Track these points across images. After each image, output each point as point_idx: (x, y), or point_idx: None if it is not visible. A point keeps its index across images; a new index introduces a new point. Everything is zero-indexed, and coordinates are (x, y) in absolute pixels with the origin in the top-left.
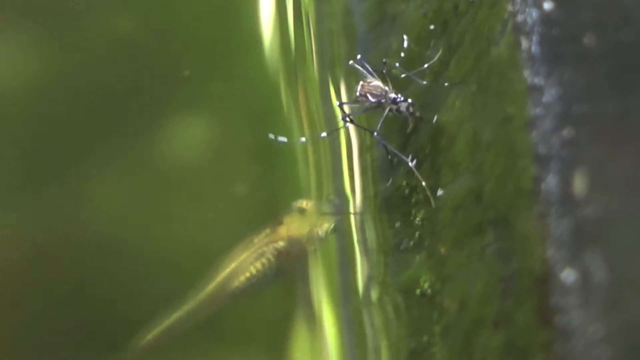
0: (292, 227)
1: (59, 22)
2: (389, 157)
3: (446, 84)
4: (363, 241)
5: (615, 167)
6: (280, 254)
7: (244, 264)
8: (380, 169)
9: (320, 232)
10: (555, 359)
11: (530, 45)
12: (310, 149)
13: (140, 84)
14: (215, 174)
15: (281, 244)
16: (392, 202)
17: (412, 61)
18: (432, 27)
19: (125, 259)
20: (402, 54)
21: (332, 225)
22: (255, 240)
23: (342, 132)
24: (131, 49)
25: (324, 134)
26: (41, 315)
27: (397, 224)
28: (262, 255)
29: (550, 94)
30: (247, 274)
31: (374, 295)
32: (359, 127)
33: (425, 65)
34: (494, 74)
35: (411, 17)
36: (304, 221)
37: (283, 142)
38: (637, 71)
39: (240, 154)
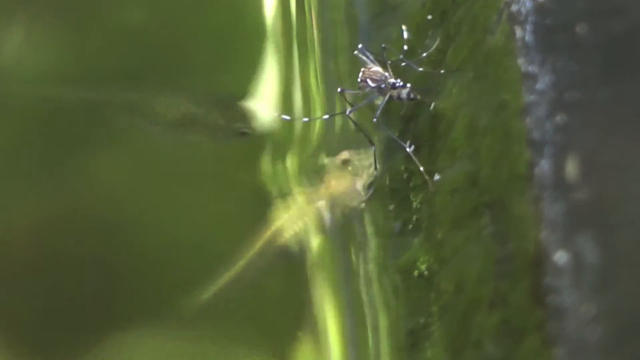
0: (332, 185)
1: (75, 13)
2: (373, 150)
3: (442, 71)
4: (363, 224)
5: (607, 152)
6: (320, 213)
7: (287, 222)
8: (381, 153)
9: (359, 188)
10: (549, 338)
11: (524, 34)
12: (309, 134)
13: (147, 72)
14: (220, 158)
15: (322, 202)
16: (391, 187)
17: (411, 50)
18: (430, 17)
19: (134, 236)
20: (405, 47)
21: (371, 180)
22: (299, 199)
23: (342, 118)
24: (141, 38)
25: (326, 116)
26: (53, 287)
27: (396, 208)
28: (304, 214)
29: (544, 82)
30: (292, 231)
31: (374, 276)
32: (357, 125)
33: (424, 54)
34: (490, 62)
35: (410, 7)
36: (343, 177)
37: (286, 120)
38: (627, 59)
39: (241, 144)
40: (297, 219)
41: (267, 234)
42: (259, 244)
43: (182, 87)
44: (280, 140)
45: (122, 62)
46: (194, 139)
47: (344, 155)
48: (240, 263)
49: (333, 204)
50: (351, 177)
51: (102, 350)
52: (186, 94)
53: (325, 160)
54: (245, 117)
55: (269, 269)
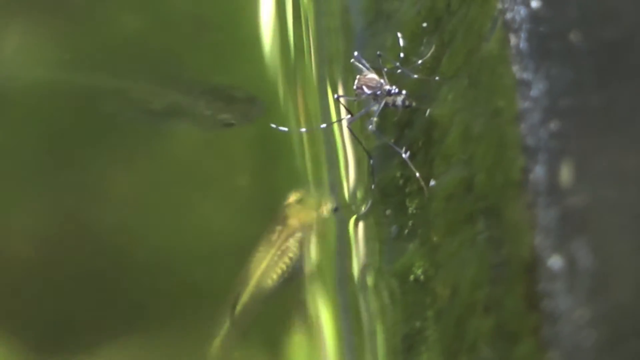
0: (300, 216)
1: (73, 18)
2: (370, 164)
3: (437, 78)
4: (359, 229)
5: (600, 158)
6: (302, 244)
7: (272, 264)
8: (376, 160)
9: (325, 213)
10: (543, 342)
11: (518, 41)
12: (307, 140)
13: (145, 79)
14: (218, 165)
15: (299, 234)
16: (386, 192)
17: (406, 57)
18: (425, 24)
19: (135, 246)
20: (402, 54)
21: (333, 205)
22: (274, 239)
23: (338, 125)
24: (137, 46)
25: (323, 125)
26: (55, 298)
27: (392, 213)
28: (286, 250)
29: (538, 88)
30: (279, 271)
31: (370, 281)
32: (355, 136)
33: (419, 61)
34: (484, 69)
35: (405, 14)
36: (306, 208)
37: (284, 132)
38: (620, 66)
39: (241, 146)
40: (279, 258)
41: (254, 280)
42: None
43: (171, 78)
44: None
45: (116, 59)
46: (183, 129)
47: (296, 195)
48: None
49: (306, 231)
50: (312, 209)
51: (105, 351)
52: (175, 84)
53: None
54: (231, 109)
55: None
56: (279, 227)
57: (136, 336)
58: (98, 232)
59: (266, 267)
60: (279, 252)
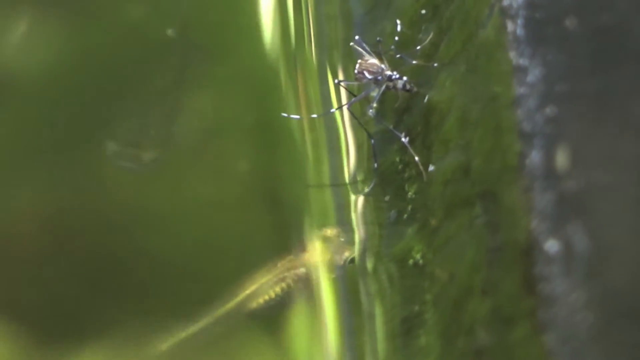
0: (315, 254)
1: (80, 8)
2: (372, 144)
3: (436, 65)
4: (359, 214)
5: (595, 142)
6: (300, 280)
7: (265, 286)
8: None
9: (340, 261)
10: (540, 325)
11: (515, 28)
12: (307, 127)
13: (148, 66)
14: (220, 151)
15: (302, 270)
16: (386, 177)
17: (405, 44)
18: (423, 11)
19: (138, 228)
20: (397, 38)
21: (352, 256)
22: (279, 265)
23: (338, 111)
24: (141, 32)
25: (332, 110)
26: (60, 279)
27: (392, 198)
28: (282, 279)
29: (534, 74)
30: (266, 297)
31: (370, 265)
32: (356, 118)
33: (418, 47)
34: (481, 56)
35: (404, 1)
36: (326, 248)
37: (295, 119)
38: (615, 52)
39: (243, 133)
40: (275, 283)
41: (242, 295)
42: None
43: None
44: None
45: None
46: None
47: (329, 232)
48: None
49: (312, 271)
50: (332, 252)
51: (107, 341)
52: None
53: (311, 229)
54: None
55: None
56: (290, 256)
57: (137, 318)
58: (101, 214)
59: (257, 289)
60: (275, 279)
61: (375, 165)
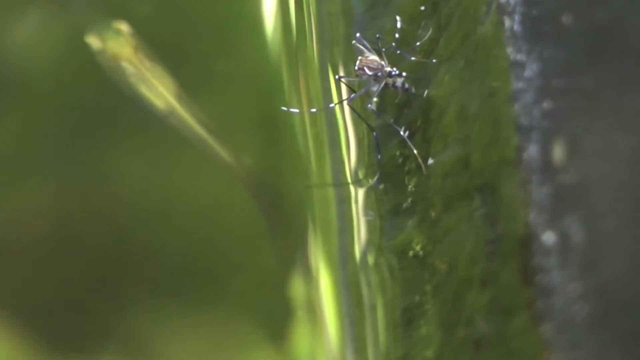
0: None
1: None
2: (374, 136)
3: (435, 60)
4: (359, 207)
5: (591, 136)
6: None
7: None
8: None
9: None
10: (538, 315)
11: (512, 24)
12: (308, 121)
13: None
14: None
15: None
16: (386, 171)
17: (404, 40)
18: (422, 8)
19: (147, 225)
20: (397, 35)
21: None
22: None
23: (339, 105)
24: (145, 30)
25: (332, 105)
26: (70, 279)
27: (392, 191)
28: None
29: (531, 69)
30: None
31: (370, 257)
32: (356, 113)
33: (417, 44)
34: (479, 51)
35: None
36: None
37: (295, 113)
38: (611, 48)
39: (245, 128)
40: None
41: None
42: None
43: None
44: None
45: None
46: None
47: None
48: None
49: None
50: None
51: (113, 337)
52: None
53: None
54: None
55: None
56: None
57: (145, 314)
58: (111, 211)
59: None
60: None
61: (379, 156)
